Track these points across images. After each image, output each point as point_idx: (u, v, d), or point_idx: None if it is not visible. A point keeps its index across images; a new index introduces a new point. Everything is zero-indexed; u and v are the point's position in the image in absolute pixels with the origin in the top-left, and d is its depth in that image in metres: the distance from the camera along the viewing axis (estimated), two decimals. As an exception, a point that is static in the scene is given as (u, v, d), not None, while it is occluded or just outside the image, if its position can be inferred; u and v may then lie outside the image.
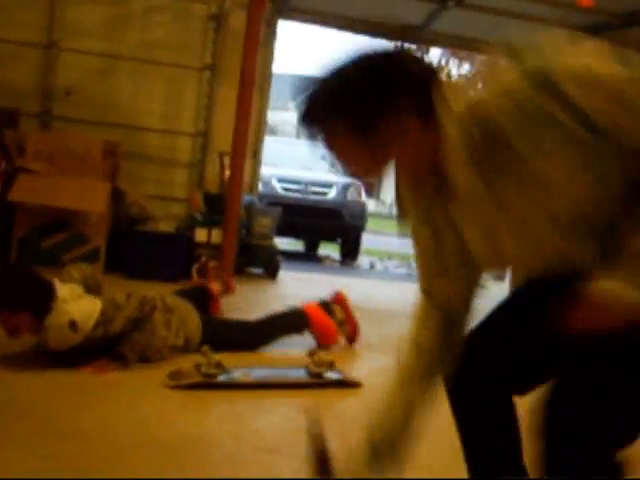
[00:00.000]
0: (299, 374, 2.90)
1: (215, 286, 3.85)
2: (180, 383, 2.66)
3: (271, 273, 5.81)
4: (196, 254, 5.17)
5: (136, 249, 4.99)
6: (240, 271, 5.50)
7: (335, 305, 3.65)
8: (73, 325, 2.65)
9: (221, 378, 2.72)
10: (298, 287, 5.61)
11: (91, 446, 2.07)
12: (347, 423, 2.55)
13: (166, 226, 5.42)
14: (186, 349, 3.06)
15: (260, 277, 5.72)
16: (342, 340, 3.60)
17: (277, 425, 2.44)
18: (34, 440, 2.08)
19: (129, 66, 6.02)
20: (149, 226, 5.27)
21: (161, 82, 6.14)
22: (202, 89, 6.18)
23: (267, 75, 6.47)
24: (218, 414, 2.52)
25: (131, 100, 6.05)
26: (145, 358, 2.88)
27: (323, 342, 3.44)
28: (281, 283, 5.69)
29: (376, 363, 3.39)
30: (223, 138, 5.71)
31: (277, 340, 3.40)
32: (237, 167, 5.27)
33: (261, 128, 6.52)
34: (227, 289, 3.99)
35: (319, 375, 2.88)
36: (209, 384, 2.68)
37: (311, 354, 2.92)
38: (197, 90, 6.19)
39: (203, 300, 3.51)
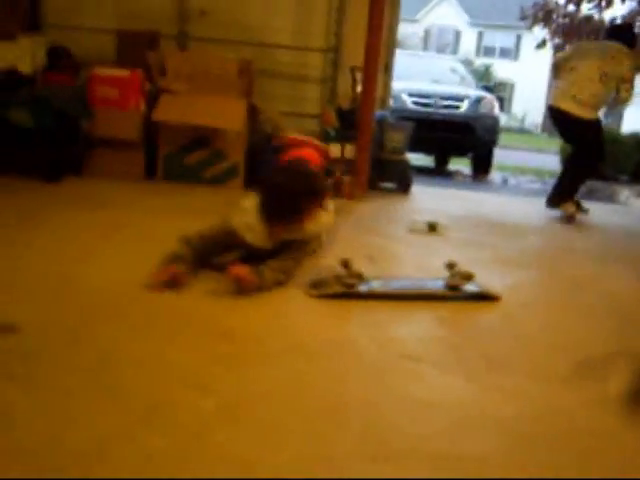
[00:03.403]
0: (437, 286, 2.95)
1: None
2: (322, 292, 2.76)
3: (404, 188, 5.81)
4: (330, 169, 5.24)
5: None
6: (373, 186, 5.55)
7: None
8: None
9: (361, 288, 2.81)
10: (431, 201, 5.60)
11: (246, 348, 2.22)
12: (484, 334, 2.60)
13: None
14: None
15: (393, 192, 5.73)
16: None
17: (417, 335, 2.51)
18: (200, 341, 2.25)
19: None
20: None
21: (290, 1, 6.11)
22: (332, 2, 6.11)
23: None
24: (360, 322, 2.61)
25: (262, 17, 6.08)
26: None
27: None
28: (414, 198, 5.69)
29: (512, 277, 3.38)
30: (354, 52, 5.66)
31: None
32: (369, 82, 5.23)
33: (392, 41, 6.40)
34: None
35: (457, 287, 2.91)
36: (350, 294, 2.78)
37: (450, 266, 2.94)
38: (327, 4, 6.12)
39: None
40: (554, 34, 11.33)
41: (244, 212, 2.85)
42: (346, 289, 2.77)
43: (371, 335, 2.44)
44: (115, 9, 5.90)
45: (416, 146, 7.21)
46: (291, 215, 2.79)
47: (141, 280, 2.75)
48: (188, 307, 2.54)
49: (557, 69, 5.60)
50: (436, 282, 2.97)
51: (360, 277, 2.81)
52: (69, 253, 3.09)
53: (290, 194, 2.75)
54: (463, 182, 8.87)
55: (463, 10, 34.81)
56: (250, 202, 2.85)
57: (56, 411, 1.72)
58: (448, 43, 34.65)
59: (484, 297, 2.93)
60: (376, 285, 2.89)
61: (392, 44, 6.40)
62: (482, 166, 9.48)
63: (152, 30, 5.62)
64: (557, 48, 11.38)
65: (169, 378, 1.95)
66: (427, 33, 34.80)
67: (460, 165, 10.45)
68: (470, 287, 2.93)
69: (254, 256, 2.86)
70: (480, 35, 35.11)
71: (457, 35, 35.33)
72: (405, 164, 5.96)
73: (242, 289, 2.66)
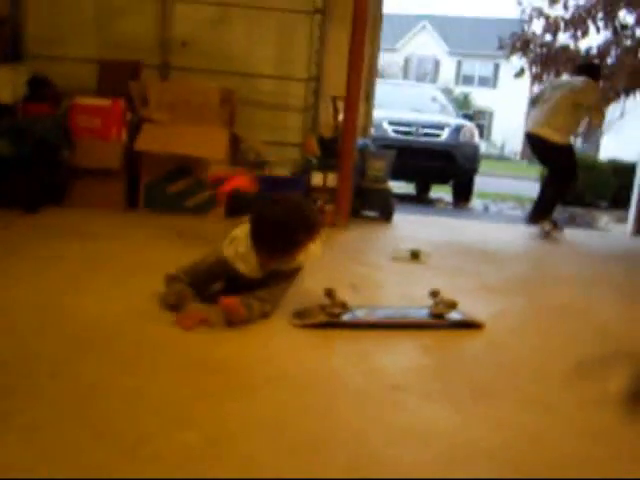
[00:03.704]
0: (421, 314, 2.94)
1: None
2: (306, 322, 2.75)
3: (386, 216, 5.84)
4: (312, 198, 5.26)
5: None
6: (355, 214, 5.56)
7: None
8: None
9: (345, 318, 2.80)
10: (413, 229, 5.63)
11: (230, 379, 2.20)
12: (469, 362, 2.59)
13: (282, 171, 5.52)
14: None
15: (375, 220, 5.75)
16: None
17: (401, 364, 2.50)
18: (185, 373, 2.22)
19: (242, 13, 6.07)
20: (266, 171, 5.39)
21: (273, 28, 6.17)
22: (313, 33, 6.17)
23: (378, 16, 6.37)
24: (344, 352, 2.59)
25: (244, 47, 6.13)
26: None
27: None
28: (396, 225, 5.72)
29: (496, 304, 3.38)
30: (335, 81, 5.72)
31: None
32: (351, 110, 5.27)
33: (373, 70, 6.47)
34: None
35: (441, 316, 2.90)
36: (334, 323, 2.76)
37: (434, 294, 2.94)
38: (308, 34, 6.18)
39: None
40: (532, 63, 11.50)
41: (236, 243, 2.84)
42: (330, 319, 2.75)
43: (356, 365, 2.43)
44: (97, 39, 5.92)
45: (397, 174, 7.27)
46: (286, 249, 2.76)
47: (126, 311, 2.72)
48: (174, 339, 2.51)
49: (534, 102, 6.48)
50: (420, 311, 2.97)
51: (344, 306, 2.80)
52: (53, 285, 3.05)
53: (286, 229, 2.68)
54: (445, 209, 8.93)
55: (442, 39, 35.31)
56: (242, 232, 2.84)
57: (36, 447, 1.68)
58: (427, 72, 35.08)
59: (468, 325, 2.93)
60: (360, 314, 2.87)
61: (373, 73, 6.47)
62: (463, 193, 9.56)
63: (134, 60, 5.64)
64: (535, 77, 11.55)
65: (153, 412, 1.92)
66: (407, 62, 35.23)
67: (441, 193, 10.52)
68: (454, 315, 2.93)
69: (241, 284, 2.84)
70: (459, 64, 35.60)
71: (436, 64, 35.79)
72: (387, 192, 6.00)
73: (231, 321, 2.64)
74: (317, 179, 5.43)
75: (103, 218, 4.62)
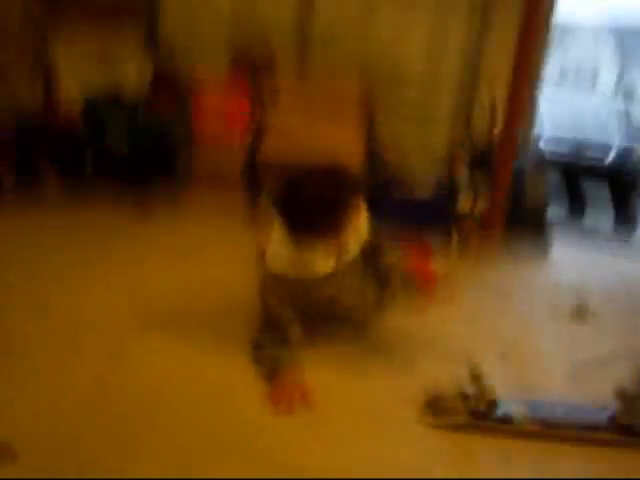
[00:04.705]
0: (600, 417, 2.14)
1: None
2: (442, 422, 2.03)
3: (542, 250, 4.93)
4: (458, 221, 4.51)
5: (392, 215, 4.43)
6: (504, 245, 4.72)
7: None
8: None
9: (495, 414, 2.06)
10: (575, 269, 4.65)
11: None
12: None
13: (424, 189, 4.82)
14: None
15: (528, 253, 4.86)
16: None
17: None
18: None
19: (389, 9, 5.40)
20: (406, 189, 4.70)
21: (423, 28, 5.44)
22: (469, 35, 5.40)
23: (548, 21, 5.48)
24: (489, 467, 1.86)
25: (390, 47, 5.45)
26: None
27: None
28: (554, 263, 4.77)
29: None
30: (493, 86, 4.97)
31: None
32: (514, 120, 4.48)
33: (535, 79, 5.58)
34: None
35: (629, 426, 2.09)
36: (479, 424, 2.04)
37: (620, 395, 2.14)
38: (463, 37, 5.41)
39: None
40: None
41: (274, 248, 2.35)
42: (475, 419, 2.03)
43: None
44: (231, 32, 5.43)
45: (556, 197, 6.37)
46: (332, 217, 2.27)
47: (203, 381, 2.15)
48: (260, 428, 1.89)
49: None
50: (599, 413, 2.17)
51: (493, 404, 2.06)
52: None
53: (324, 197, 2.26)
54: (609, 240, 7.83)
55: (603, 45, 33.20)
56: (274, 234, 2.36)
57: None
58: (585, 80, 33.09)
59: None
60: (515, 410, 2.12)
61: (535, 81, 5.59)
62: (627, 220, 8.43)
63: (268, 55, 5.11)
64: None
65: None
66: (562, 70, 33.39)
67: (601, 218, 9.41)
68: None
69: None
70: (621, 73, 33.34)
71: (595, 72, 33.70)
72: (544, 220, 5.10)
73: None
74: (464, 200, 4.63)
75: (218, 231, 4.09)
